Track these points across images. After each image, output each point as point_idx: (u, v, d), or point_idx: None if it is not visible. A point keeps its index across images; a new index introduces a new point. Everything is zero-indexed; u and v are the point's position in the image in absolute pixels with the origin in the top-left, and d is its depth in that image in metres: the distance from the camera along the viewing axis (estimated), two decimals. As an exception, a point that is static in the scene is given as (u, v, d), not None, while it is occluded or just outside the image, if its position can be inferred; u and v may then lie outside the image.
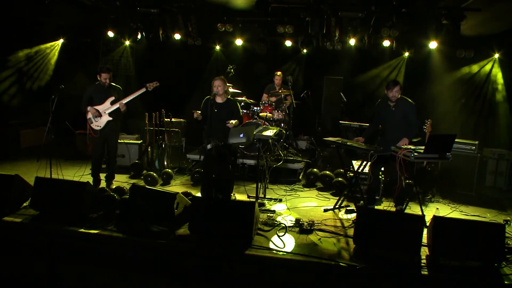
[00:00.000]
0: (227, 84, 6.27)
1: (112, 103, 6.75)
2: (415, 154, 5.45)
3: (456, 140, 7.53)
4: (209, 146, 5.92)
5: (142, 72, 10.99)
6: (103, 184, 7.09)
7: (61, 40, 10.94)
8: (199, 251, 4.87)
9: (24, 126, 9.94)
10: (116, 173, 7.59)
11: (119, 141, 8.39)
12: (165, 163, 8.21)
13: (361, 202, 6.41)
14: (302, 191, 7.50)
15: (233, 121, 6.03)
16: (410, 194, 6.06)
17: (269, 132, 6.12)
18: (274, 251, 4.81)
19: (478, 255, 4.65)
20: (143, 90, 6.84)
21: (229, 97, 6.32)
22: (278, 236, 5.23)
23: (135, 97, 6.82)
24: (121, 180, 7.59)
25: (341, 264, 4.58)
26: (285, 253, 4.78)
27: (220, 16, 9.24)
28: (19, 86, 10.57)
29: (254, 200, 5.72)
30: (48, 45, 10.92)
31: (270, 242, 5.04)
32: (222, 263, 4.81)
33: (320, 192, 7.42)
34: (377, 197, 6.76)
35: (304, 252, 4.83)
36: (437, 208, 6.01)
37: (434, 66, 9.33)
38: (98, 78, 6.75)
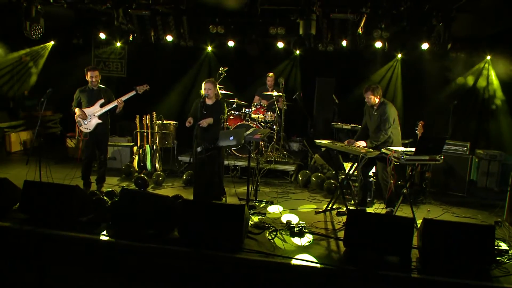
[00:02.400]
0: (219, 86, 6.25)
1: (102, 105, 6.71)
2: (405, 156, 5.44)
3: (447, 141, 7.61)
4: (198, 149, 5.91)
5: (134, 74, 10.94)
6: (93, 187, 7.03)
7: (52, 42, 10.88)
8: (189, 254, 4.83)
9: (13, 129, 9.85)
10: (107, 175, 7.52)
11: (110, 143, 8.38)
12: (157, 165, 8.16)
13: (352, 203, 6.40)
14: (293, 193, 7.47)
15: (206, 120, 6.03)
16: (401, 196, 6.05)
17: (259, 134, 6.10)
18: (264, 255, 4.78)
19: (469, 258, 4.64)
20: (133, 93, 6.80)
21: (218, 99, 6.31)
22: (269, 239, 5.21)
23: (125, 100, 6.76)
24: (112, 183, 7.54)
25: (330, 267, 4.57)
26: (274, 256, 4.75)
27: (212, 18, 9.19)
28: (8, 89, 10.52)
29: (243, 203, 5.70)
30: (38, 47, 10.87)
31: (260, 245, 5.02)
32: (213, 266, 4.79)
33: (311, 194, 7.40)
34: (368, 199, 6.75)
35: (294, 255, 4.80)
36: (428, 210, 6.01)
37: (427, 68, 9.32)
38: (86, 79, 6.71)
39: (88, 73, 6.68)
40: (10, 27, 8.96)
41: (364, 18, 7.14)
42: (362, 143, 6.18)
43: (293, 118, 9.89)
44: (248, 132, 6.23)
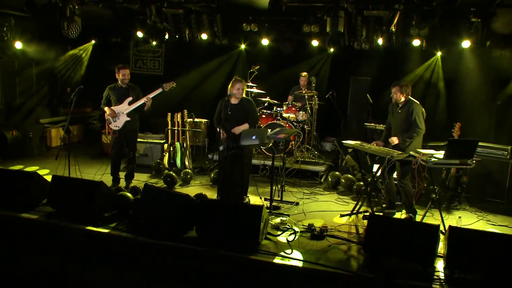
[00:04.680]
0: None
1: (130, 103, 6.81)
2: (433, 159, 5.18)
3: (487, 144, 7.22)
4: (221, 148, 5.87)
5: (170, 72, 11.05)
6: (122, 183, 7.16)
7: (93, 41, 11.21)
8: (205, 254, 4.81)
9: (54, 125, 10.22)
10: (139, 172, 7.69)
11: (142, 140, 8.56)
12: (186, 163, 8.21)
13: (377, 207, 6.17)
14: (322, 194, 7.30)
15: (239, 128, 6.01)
16: (430, 201, 5.79)
17: (283, 134, 5.99)
18: (280, 257, 4.69)
19: (498, 270, 4.33)
20: (160, 90, 6.87)
21: (243, 98, 6.24)
22: (288, 242, 5.11)
23: (152, 97, 6.83)
24: (142, 180, 7.64)
25: (347, 273, 4.41)
26: (290, 260, 4.65)
27: (245, 16, 9.13)
28: (52, 87, 10.92)
29: (266, 203, 5.62)
30: (82, 47, 11.24)
31: (278, 248, 4.93)
32: (228, 267, 4.75)
33: (340, 196, 7.21)
34: (398, 203, 6.49)
35: (311, 259, 4.68)
36: (459, 217, 5.67)
37: (467, 66, 8.82)
38: (117, 77, 6.83)
39: (121, 71, 6.80)
40: (54, 27, 9.31)
41: (398, 15, 6.85)
42: (395, 140, 6.00)
43: (326, 117, 9.68)
44: (272, 132, 6.14)
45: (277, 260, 4.64)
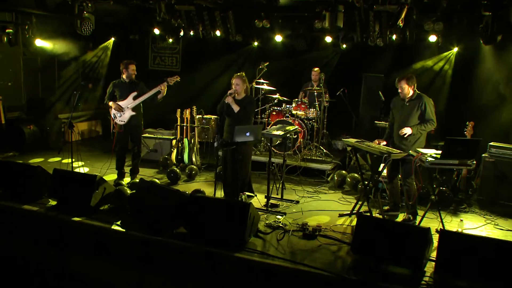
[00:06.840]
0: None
1: (135, 98, 6.88)
2: (430, 159, 4.97)
3: (501, 145, 6.90)
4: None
5: (187, 69, 11.13)
6: (128, 177, 7.26)
7: (112, 39, 11.41)
8: (192, 250, 4.81)
9: (73, 120, 10.43)
10: (147, 167, 7.77)
11: (152, 136, 8.66)
12: (194, 159, 8.23)
13: (377, 209, 5.99)
14: (326, 193, 7.16)
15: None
16: (429, 202, 5.58)
17: (279, 131, 5.90)
18: (265, 256, 4.62)
19: (491, 277, 4.10)
20: (164, 84, 6.90)
21: (248, 94, 6.24)
22: (277, 240, 5.03)
23: (156, 92, 6.88)
24: (148, 175, 7.72)
25: (330, 274, 4.29)
26: (275, 258, 4.57)
27: (258, 12, 9.04)
28: (73, 83, 11.19)
29: (249, 202, 5.56)
30: (103, 45, 11.45)
31: (265, 246, 4.86)
32: (213, 264, 4.73)
33: (344, 196, 7.05)
34: (403, 204, 6.28)
35: (297, 259, 4.59)
36: (461, 220, 5.42)
37: (485, 62, 8.40)
38: (124, 72, 6.91)
39: (130, 66, 6.91)
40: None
41: (405, 9, 6.60)
42: (408, 130, 5.67)
43: (338, 115, 9.47)
44: (270, 129, 6.07)
45: (260, 258, 4.58)
